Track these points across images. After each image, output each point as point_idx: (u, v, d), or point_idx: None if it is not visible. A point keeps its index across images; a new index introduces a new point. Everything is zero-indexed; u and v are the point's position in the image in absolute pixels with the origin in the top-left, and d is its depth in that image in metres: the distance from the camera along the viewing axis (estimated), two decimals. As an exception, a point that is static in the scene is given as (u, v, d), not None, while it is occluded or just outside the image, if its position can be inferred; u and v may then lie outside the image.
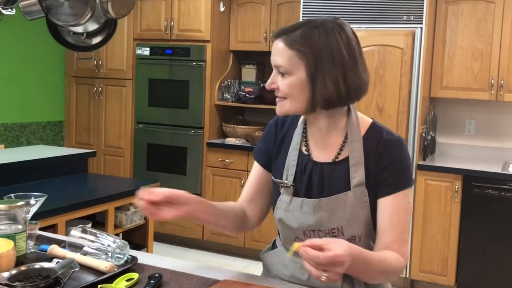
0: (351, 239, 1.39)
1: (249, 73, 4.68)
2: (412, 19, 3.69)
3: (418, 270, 3.81)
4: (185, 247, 4.64)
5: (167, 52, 4.58)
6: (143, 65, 4.70)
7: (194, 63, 4.48)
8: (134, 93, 4.77)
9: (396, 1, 3.72)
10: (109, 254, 1.49)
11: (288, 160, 1.46)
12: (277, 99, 1.39)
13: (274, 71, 1.37)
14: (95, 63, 4.88)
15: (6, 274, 1.30)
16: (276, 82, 1.36)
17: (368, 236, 1.41)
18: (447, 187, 3.70)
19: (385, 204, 1.37)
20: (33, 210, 1.64)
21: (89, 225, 2.63)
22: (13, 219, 1.49)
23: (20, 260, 1.46)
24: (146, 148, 4.74)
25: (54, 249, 1.55)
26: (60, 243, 1.61)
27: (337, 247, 1.14)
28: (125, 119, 4.83)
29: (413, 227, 3.79)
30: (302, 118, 1.48)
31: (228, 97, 4.61)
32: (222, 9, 4.51)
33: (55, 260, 1.47)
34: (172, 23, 4.55)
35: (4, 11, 2.97)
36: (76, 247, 1.53)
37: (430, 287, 3.87)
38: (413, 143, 3.73)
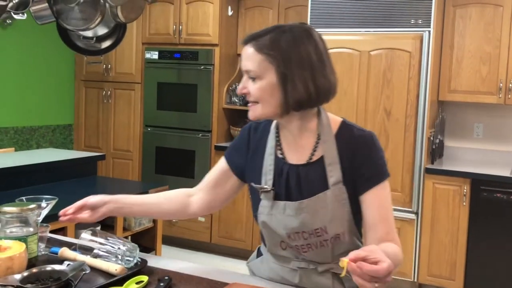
0: (336, 237, 1.41)
1: (257, 76, 4.69)
2: (420, 22, 3.69)
3: (426, 274, 3.80)
4: (193, 250, 4.65)
5: (176, 56, 4.61)
6: (151, 69, 4.73)
7: (202, 67, 4.51)
8: (142, 96, 4.80)
9: (404, 4, 3.73)
10: (119, 256, 1.50)
11: (265, 165, 1.48)
12: (249, 104, 1.41)
13: (245, 77, 1.40)
14: (104, 67, 4.91)
15: (18, 276, 1.32)
16: (247, 87, 1.39)
17: (351, 232, 1.43)
18: (455, 191, 3.69)
19: (370, 198, 1.39)
20: (44, 212, 1.66)
21: (99, 227, 2.65)
22: (25, 222, 1.51)
23: (31, 262, 1.48)
24: (155, 151, 4.77)
25: (65, 251, 1.56)
26: (70, 245, 1.63)
27: (381, 256, 1.13)
28: (133, 123, 4.86)
29: (421, 231, 3.79)
30: (274, 123, 1.51)
31: (236, 100, 4.62)
32: (230, 13, 4.53)
33: (66, 262, 1.49)
34: (180, 27, 4.58)
35: (15, 16, 2.99)
36: (87, 250, 1.55)
37: (438, 291, 3.87)
38: (421, 146, 3.72)
